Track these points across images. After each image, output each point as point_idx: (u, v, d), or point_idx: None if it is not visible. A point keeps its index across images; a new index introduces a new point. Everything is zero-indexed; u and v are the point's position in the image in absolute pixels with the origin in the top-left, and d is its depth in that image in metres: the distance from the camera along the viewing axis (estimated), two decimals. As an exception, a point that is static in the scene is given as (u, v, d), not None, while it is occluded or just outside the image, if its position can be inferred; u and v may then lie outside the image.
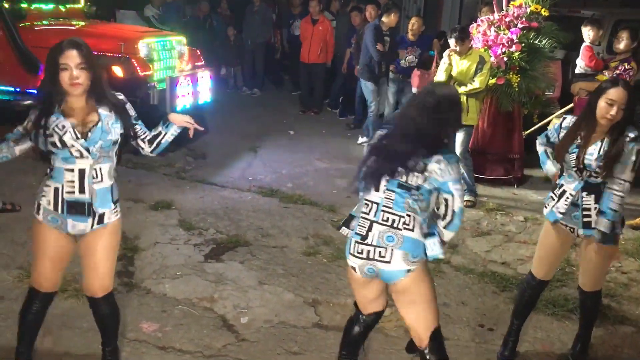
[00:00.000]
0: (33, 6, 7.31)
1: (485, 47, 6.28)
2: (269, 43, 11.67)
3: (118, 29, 8.08)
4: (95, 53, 6.09)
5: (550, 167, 3.49)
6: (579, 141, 3.17)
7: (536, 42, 6.36)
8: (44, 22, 7.23)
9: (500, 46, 6.25)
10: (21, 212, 4.97)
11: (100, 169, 2.77)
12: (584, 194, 3.19)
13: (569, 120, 3.30)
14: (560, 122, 3.34)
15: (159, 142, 2.96)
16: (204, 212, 5.52)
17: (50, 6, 7.55)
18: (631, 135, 3.09)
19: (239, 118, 9.31)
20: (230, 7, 11.68)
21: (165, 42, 7.27)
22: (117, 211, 2.90)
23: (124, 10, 10.08)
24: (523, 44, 6.28)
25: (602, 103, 3.10)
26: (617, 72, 5.72)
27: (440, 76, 5.99)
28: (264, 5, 11.15)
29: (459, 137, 6.03)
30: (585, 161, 3.14)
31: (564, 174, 3.29)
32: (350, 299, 3.70)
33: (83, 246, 2.89)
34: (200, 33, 10.21)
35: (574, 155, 3.16)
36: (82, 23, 7.62)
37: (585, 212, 3.20)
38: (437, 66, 6.68)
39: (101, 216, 2.83)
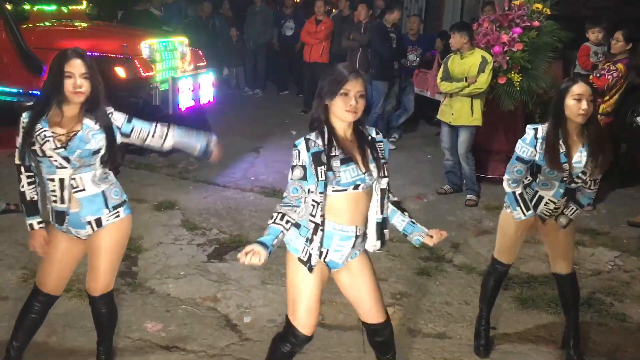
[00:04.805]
0: (36, 7, 7.35)
1: (487, 47, 6.28)
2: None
3: (120, 30, 8.11)
4: (98, 54, 6.23)
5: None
6: (564, 150, 3.11)
7: (537, 40, 6.36)
8: (47, 24, 7.26)
9: (502, 45, 6.26)
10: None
11: (81, 178, 2.75)
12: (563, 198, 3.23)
13: (541, 130, 3.15)
14: (533, 134, 3.15)
15: (167, 133, 2.91)
16: (207, 212, 5.54)
17: (53, 7, 7.58)
18: None
19: (241, 118, 9.33)
20: (232, 8, 11.72)
21: (167, 43, 7.29)
22: (117, 214, 2.87)
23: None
24: (525, 43, 6.28)
25: (570, 102, 3.05)
26: (602, 72, 5.66)
27: (441, 86, 6.01)
28: (264, 6, 11.19)
29: (463, 136, 6.03)
30: (574, 171, 3.13)
31: (538, 180, 3.21)
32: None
33: (88, 246, 2.91)
34: (202, 34, 10.23)
35: (566, 166, 3.10)
36: (85, 24, 7.65)
37: (557, 210, 3.28)
38: (439, 66, 6.69)
39: (98, 221, 2.83)
